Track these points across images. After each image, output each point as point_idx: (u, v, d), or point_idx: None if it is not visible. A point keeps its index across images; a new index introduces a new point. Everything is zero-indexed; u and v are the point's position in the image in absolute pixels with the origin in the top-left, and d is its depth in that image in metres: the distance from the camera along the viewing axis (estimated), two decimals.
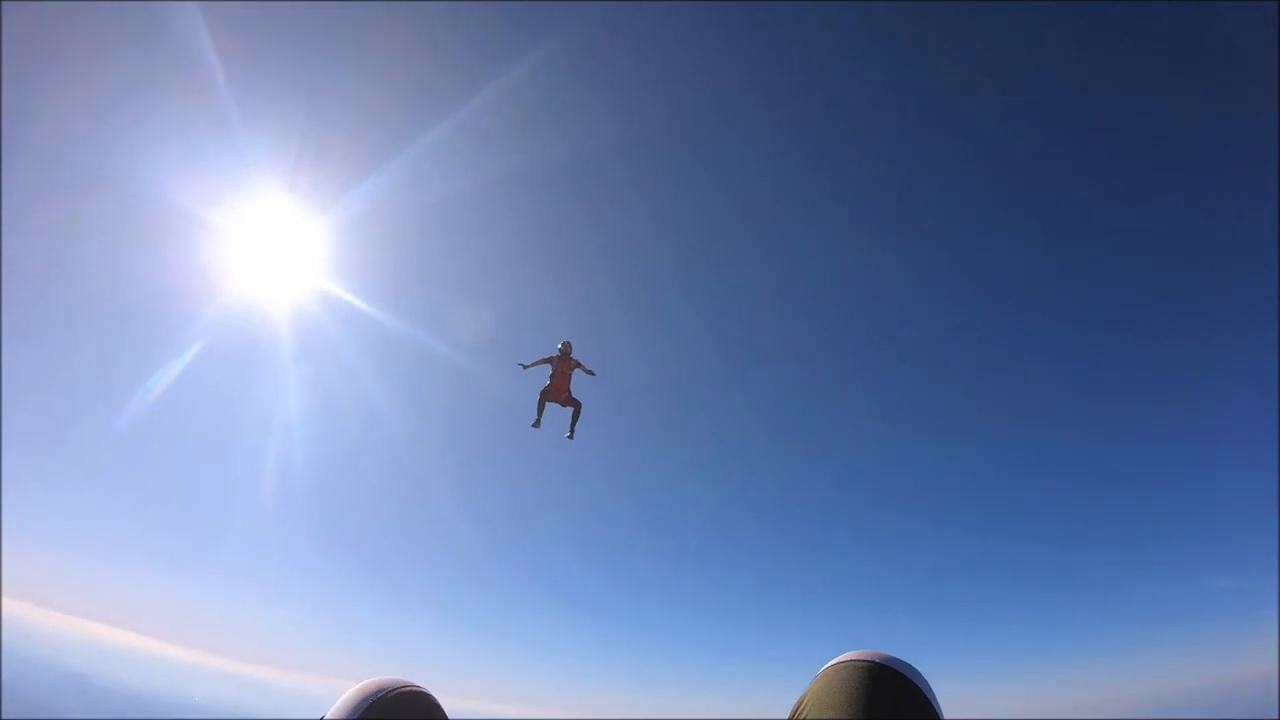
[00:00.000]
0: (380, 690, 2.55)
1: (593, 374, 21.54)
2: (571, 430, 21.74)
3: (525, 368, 21.17)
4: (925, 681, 2.11)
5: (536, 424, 21.19)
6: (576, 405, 21.45)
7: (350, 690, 2.56)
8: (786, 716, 2.36)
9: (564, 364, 21.07)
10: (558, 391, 21.07)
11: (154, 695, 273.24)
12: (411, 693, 2.63)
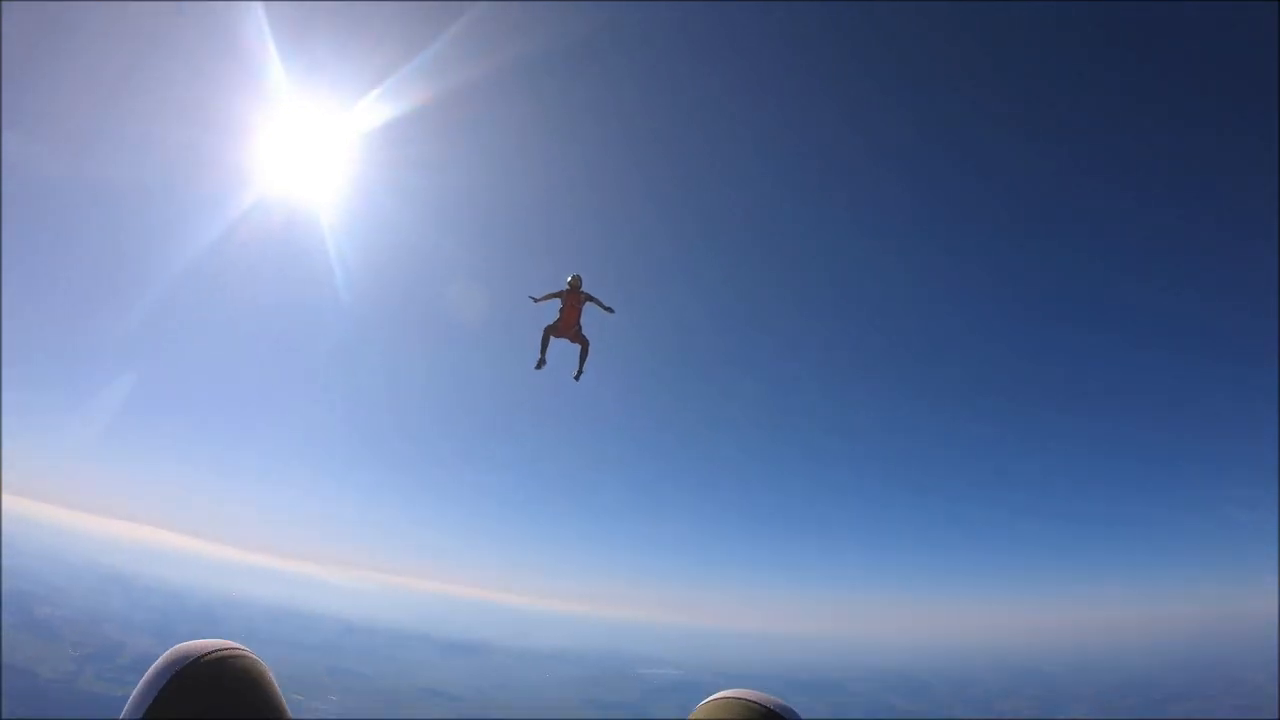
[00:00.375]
0: (187, 657, 2.20)
1: (611, 310, 20.77)
2: (580, 369, 21.27)
3: (536, 301, 20.43)
4: None
5: (541, 363, 20.74)
6: (585, 343, 20.95)
7: (157, 661, 2.18)
8: None
9: (574, 298, 20.53)
10: (566, 327, 20.56)
11: (193, 592, 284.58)
12: (227, 657, 2.31)
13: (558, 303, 20.27)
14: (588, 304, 20.40)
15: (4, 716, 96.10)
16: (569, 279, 20.43)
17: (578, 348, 20.95)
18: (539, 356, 20.45)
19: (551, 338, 20.45)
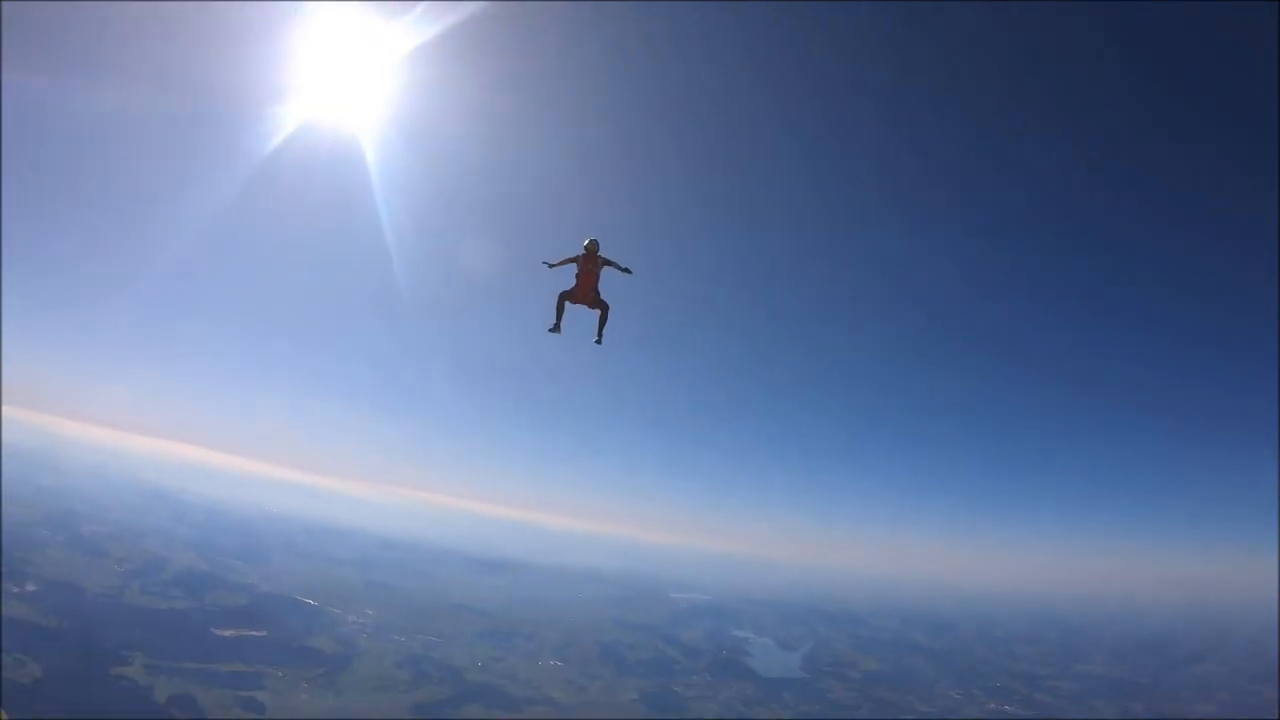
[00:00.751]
0: None
1: (629, 272, 20.69)
2: (600, 334, 21.20)
3: (551, 266, 20.51)
4: None
5: (556, 328, 20.63)
6: (604, 307, 21.02)
7: None
8: None
9: (590, 263, 20.59)
10: (583, 293, 20.63)
11: (234, 508, 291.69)
12: None
13: (573, 268, 20.62)
14: (605, 268, 20.65)
15: (58, 630, 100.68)
16: (585, 243, 20.53)
17: (597, 313, 21.16)
18: (554, 321, 20.56)
19: (568, 304, 20.66)
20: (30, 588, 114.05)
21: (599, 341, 21.18)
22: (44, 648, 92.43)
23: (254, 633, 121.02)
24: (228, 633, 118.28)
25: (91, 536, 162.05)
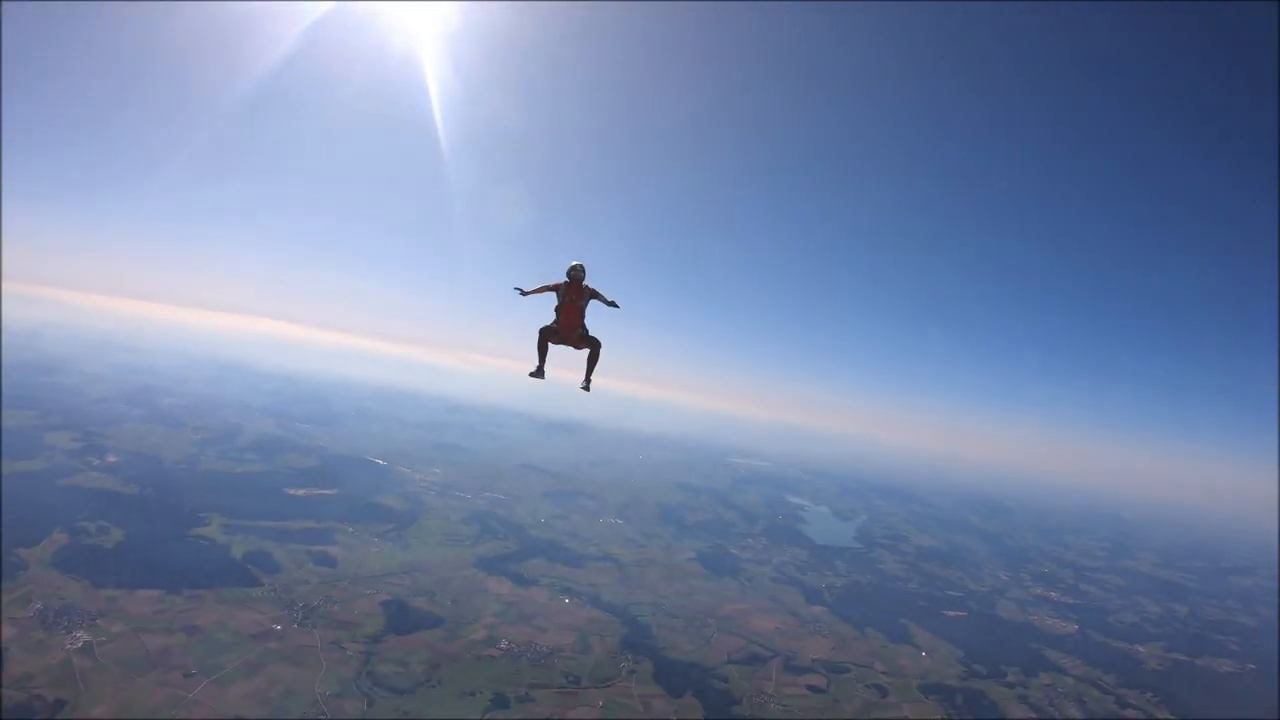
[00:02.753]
0: None
1: (616, 305, 17.27)
2: (588, 379, 18.32)
3: (524, 294, 17.11)
4: None
5: (537, 373, 17.52)
6: (593, 345, 17.81)
7: None
8: None
9: (574, 292, 17.29)
10: (567, 329, 17.34)
11: (307, 376, 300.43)
12: None
13: (553, 298, 17.35)
14: (593, 300, 17.41)
15: (138, 497, 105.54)
16: (569, 270, 17.32)
17: (585, 352, 17.99)
18: (537, 364, 17.43)
19: (550, 344, 17.48)
20: (111, 459, 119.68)
21: (586, 387, 18.25)
22: (125, 514, 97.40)
23: (325, 492, 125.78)
24: (300, 492, 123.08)
25: (169, 409, 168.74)
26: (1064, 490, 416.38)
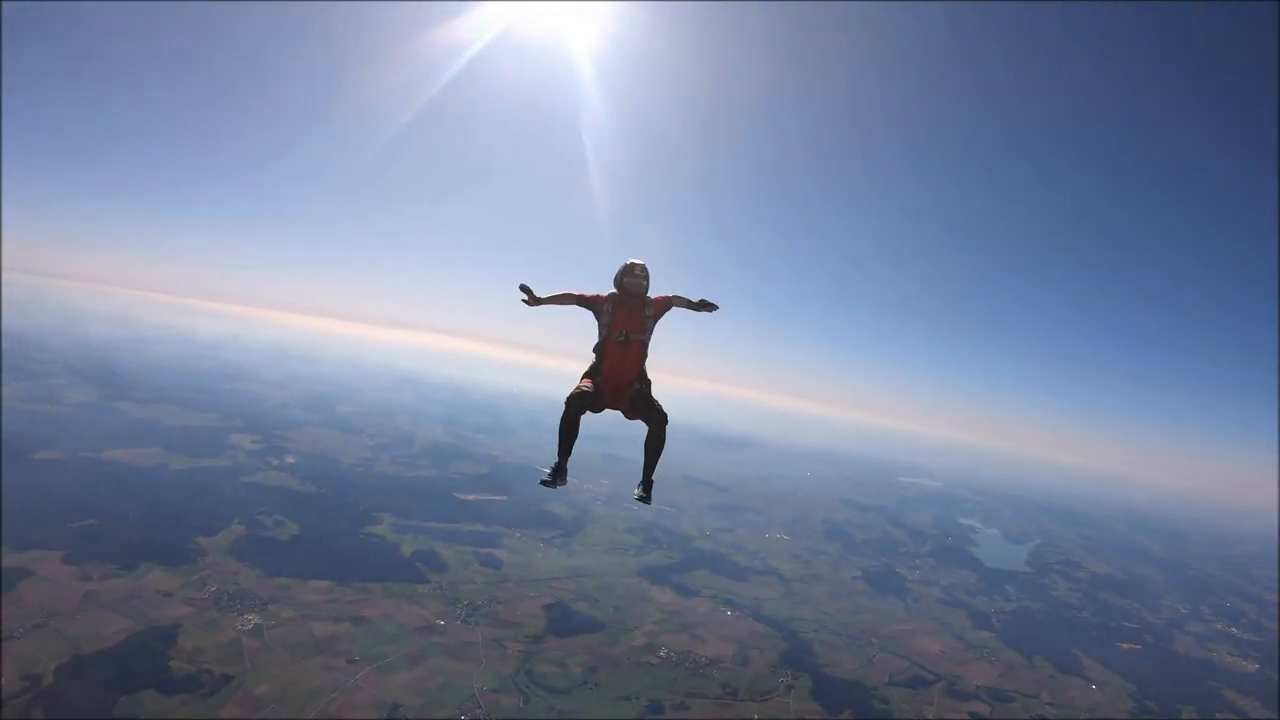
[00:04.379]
0: None
1: (713, 307, 10.66)
2: (647, 482, 10.91)
3: (534, 301, 10.56)
4: None
5: (555, 478, 10.35)
6: (657, 420, 10.67)
7: None
8: None
9: (631, 315, 10.72)
10: (616, 380, 10.69)
11: (479, 388, 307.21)
12: None
13: (582, 320, 10.98)
14: (664, 315, 10.88)
15: (314, 495, 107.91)
16: (623, 275, 10.66)
17: (642, 431, 10.83)
18: (556, 461, 10.31)
19: (583, 415, 10.42)
20: (289, 460, 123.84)
21: (644, 496, 10.79)
22: (301, 510, 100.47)
23: (495, 497, 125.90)
24: (470, 497, 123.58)
25: (346, 416, 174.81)
26: (1250, 515, 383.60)
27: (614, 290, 10.54)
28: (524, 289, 10.19)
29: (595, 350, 10.52)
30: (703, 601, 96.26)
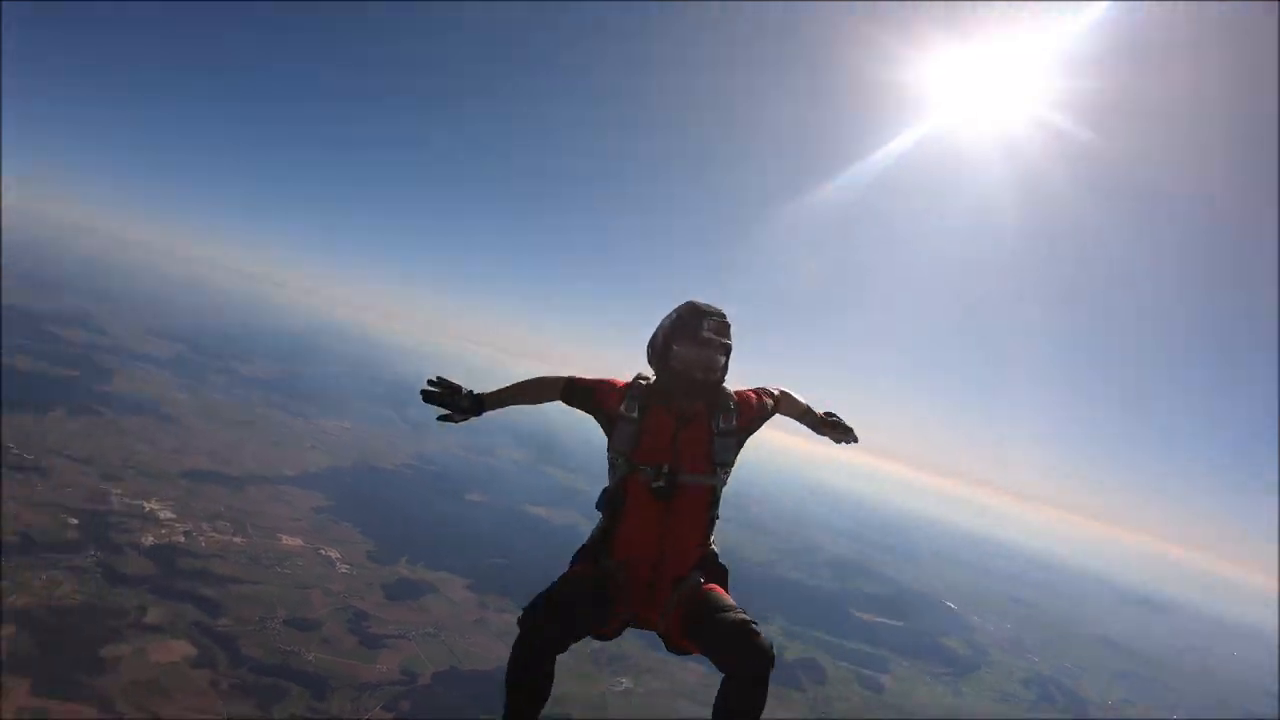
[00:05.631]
0: None
1: (849, 436, 5.57)
2: None
3: (462, 412, 5.03)
4: None
5: None
6: (742, 662, 4.42)
7: None
8: None
9: (676, 429, 4.94)
10: (642, 563, 5.01)
11: (888, 507, 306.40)
12: None
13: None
14: (758, 427, 5.41)
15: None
16: (681, 328, 4.86)
17: (710, 675, 4.59)
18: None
19: (562, 650, 4.46)
20: None
21: None
22: None
23: (890, 621, 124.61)
24: (865, 616, 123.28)
25: (758, 516, 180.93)
26: None
27: (643, 375, 5.16)
28: (442, 393, 4.91)
29: (603, 503, 5.10)
30: None
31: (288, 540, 77.17)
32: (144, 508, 69.46)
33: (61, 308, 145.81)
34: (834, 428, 5.58)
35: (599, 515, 5.19)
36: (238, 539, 72.38)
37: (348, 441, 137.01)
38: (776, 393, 5.49)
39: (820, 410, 5.65)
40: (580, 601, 4.64)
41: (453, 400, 4.95)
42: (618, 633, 5.26)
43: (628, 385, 5.10)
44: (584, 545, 5.20)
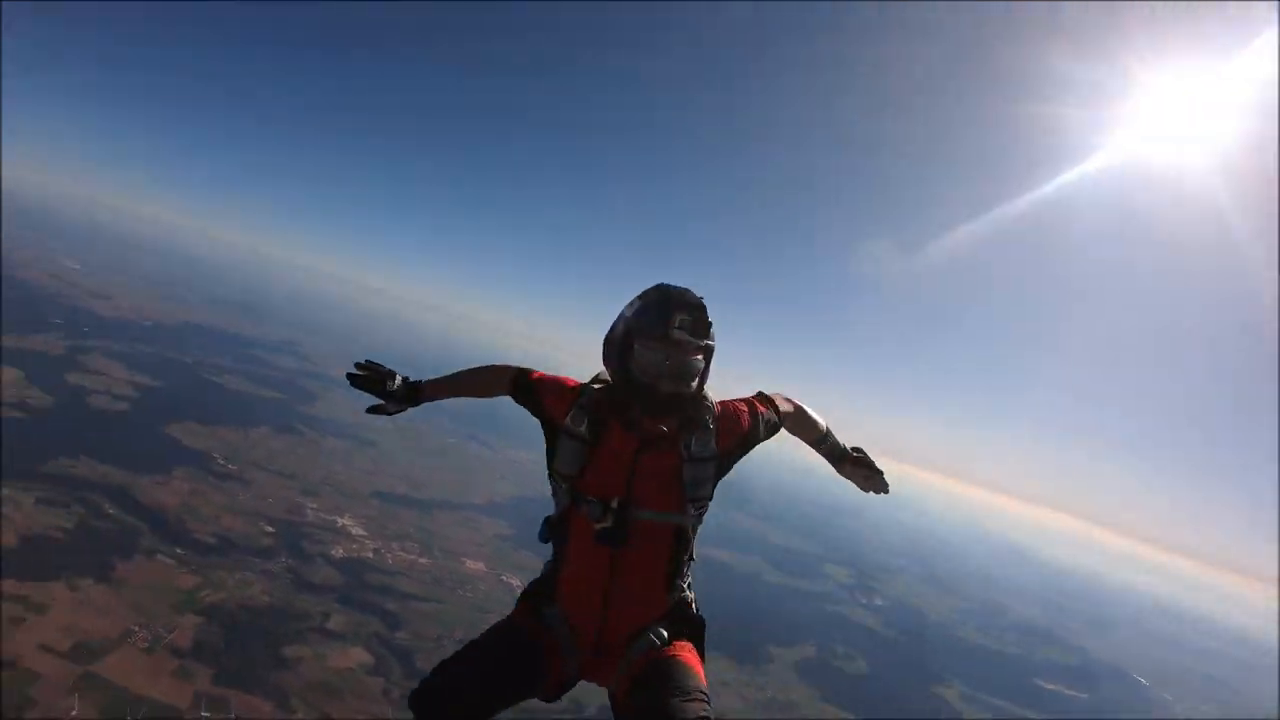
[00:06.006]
0: None
1: (879, 485, 4.47)
2: None
3: (395, 404, 4.32)
4: None
5: None
6: None
7: None
8: None
9: (635, 452, 3.81)
10: (586, 614, 3.92)
11: (1088, 573, 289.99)
12: None
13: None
14: (750, 449, 4.24)
15: (892, 641, 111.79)
16: (643, 324, 3.62)
17: None
18: None
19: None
20: (878, 601, 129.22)
21: None
22: (875, 651, 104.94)
23: (1076, 694, 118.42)
24: (1050, 686, 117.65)
25: (945, 574, 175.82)
26: None
27: (598, 377, 4.09)
28: (371, 378, 4.21)
29: (545, 532, 4.22)
30: None
31: (471, 564, 79.52)
32: (337, 523, 72.52)
33: (268, 334, 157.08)
34: (861, 467, 4.43)
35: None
36: (423, 559, 75.05)
37: (536, 473, 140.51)
38: (781, 404, 4.22)
39: (846, 442, 4.47)
40: (494, 668, 3.57)
41: (383, 388, 4.16)
42: (556, 696, 3.93)
43: (578, 390, 3.96)
44: (531, 583, 4.21)
